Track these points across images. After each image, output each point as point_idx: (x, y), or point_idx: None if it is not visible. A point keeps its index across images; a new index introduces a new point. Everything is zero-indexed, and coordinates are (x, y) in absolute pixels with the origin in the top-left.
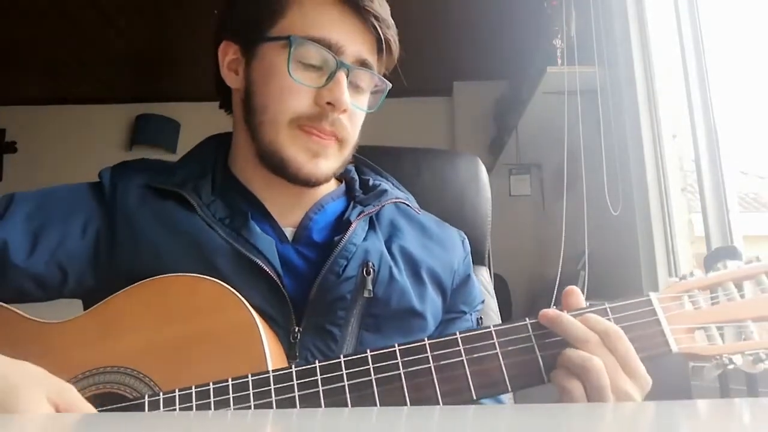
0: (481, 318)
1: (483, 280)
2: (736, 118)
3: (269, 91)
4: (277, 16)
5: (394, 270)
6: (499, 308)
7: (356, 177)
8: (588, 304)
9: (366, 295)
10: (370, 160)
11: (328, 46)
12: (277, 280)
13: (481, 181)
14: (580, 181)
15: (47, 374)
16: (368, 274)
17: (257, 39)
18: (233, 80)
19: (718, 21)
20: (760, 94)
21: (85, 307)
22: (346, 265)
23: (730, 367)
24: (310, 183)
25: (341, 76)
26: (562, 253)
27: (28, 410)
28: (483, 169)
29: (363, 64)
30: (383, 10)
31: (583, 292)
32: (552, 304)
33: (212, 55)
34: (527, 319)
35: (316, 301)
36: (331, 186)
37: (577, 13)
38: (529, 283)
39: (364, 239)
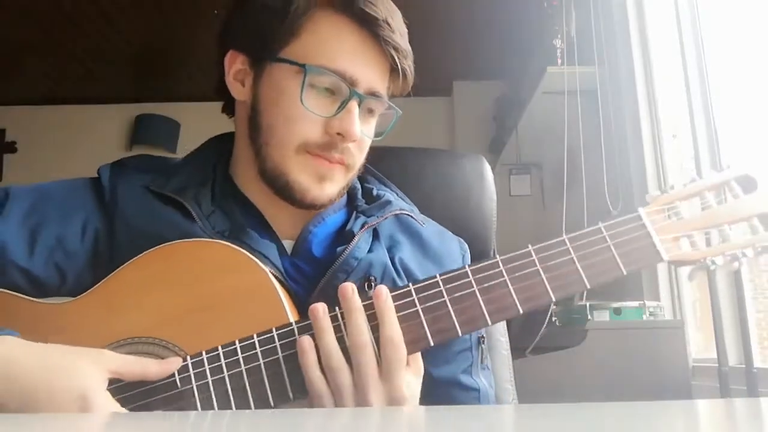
0: (482, 337)
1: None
2: (736, 118)
3: (278, 113)
4: (291, 37)
5: (398, 281)
6: None
7: (359, 186)
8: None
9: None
10: (374, 161)
11: (344, 77)
12: (285, 283)
13: (486, 180)
14: (580, 180)
15: (77, 348)
16: (369, 288)
17: (268, 56)
18: (239, 91)
19: (718, 21)
20: (760, 94)
21: None
22: (345, 279)
23: (713, 267)
24: (315, 207)
25: (353, 106)
26: None
27: (87, 384)
28: (488, 168)
29: (375, 93)
30: (402, 39)
31: (583, 292)
32: (551, 303)
33: (215, 59)
34: (530, 245)
35: None
36: None
37: (577, 13)
38: None
39: (369, 251)
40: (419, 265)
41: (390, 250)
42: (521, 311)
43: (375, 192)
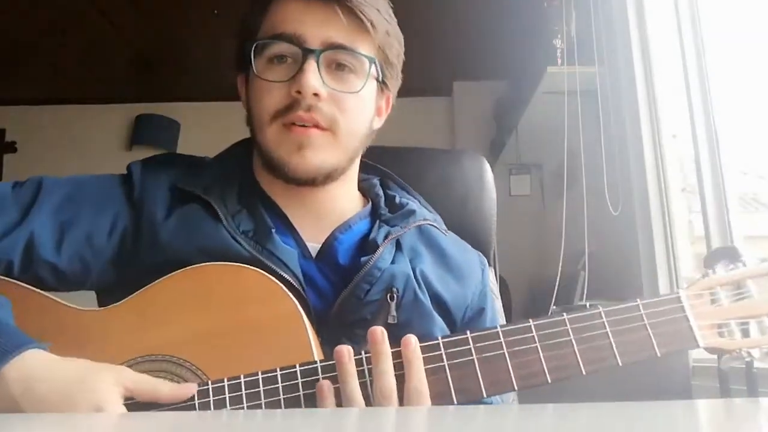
0: None
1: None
2: (736, 118)
3: (252, 97)
4: (257, 32)
5: (419, 293)
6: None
7: (381, 194)
8: (587, 303)
9: (390, 321)
10: (374, 160)
11: (290, 39)
12: (302, 292)
13: (485, 180)
14: (580, 181)
15: (97, 364)
16: (392, 299)
17: (249, 60)
18: (245, 103)
19: (718, 21)
20: (760, 94)
21: (100, 302)
22: (368, 290)
23: (748, 359)
24: (304, 178)
25: (309, 63)
26: (562, 253)
27: (104, 398)
28: (488, 167)
29: (334, 44)
30: None
31: (582, 292)
32: (552, 304)
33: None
34: (564, 314)
35: (336, 319)
36: (359, 206)
37: (577, 13)
38: (529, 283)
39: (392, 262)
40: (439, 278)
41: (411, 261)
42: (549, 381)
43: (398, 200)
